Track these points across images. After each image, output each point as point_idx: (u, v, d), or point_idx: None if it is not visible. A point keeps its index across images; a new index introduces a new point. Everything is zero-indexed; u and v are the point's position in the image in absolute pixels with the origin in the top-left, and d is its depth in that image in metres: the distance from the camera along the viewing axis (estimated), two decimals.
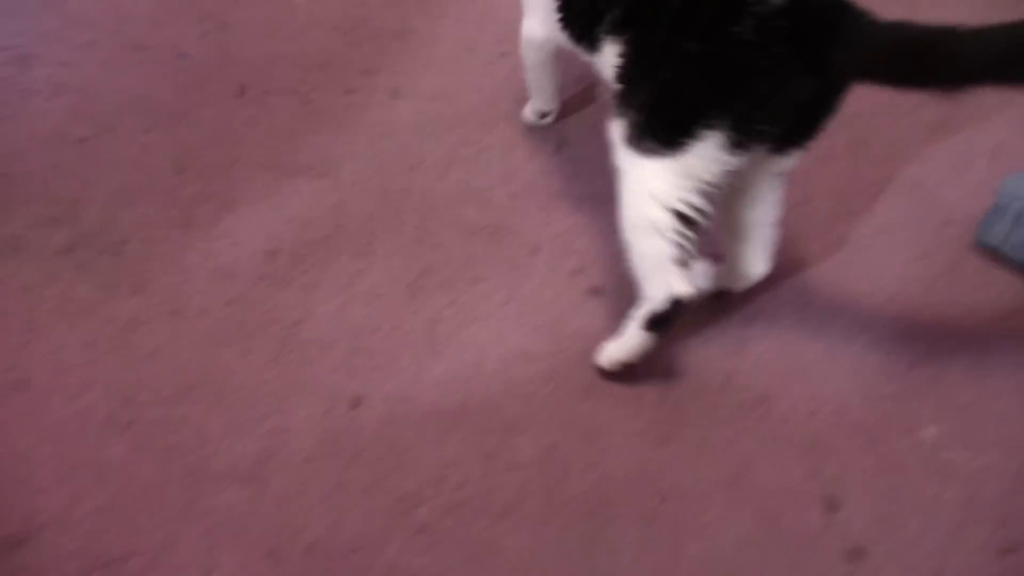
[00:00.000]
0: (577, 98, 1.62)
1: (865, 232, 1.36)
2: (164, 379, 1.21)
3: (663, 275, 1.07)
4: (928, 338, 1.24)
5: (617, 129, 1.06)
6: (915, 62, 0.93)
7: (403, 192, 1.46)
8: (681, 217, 1.03)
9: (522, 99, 1.55)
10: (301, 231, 1.40)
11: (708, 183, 1.01)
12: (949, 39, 0.89)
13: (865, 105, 1.37)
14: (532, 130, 1.55)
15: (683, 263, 1.07)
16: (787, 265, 1.29)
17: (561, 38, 1.24)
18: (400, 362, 1.23)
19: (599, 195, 1.37)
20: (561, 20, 1.21)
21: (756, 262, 1.20)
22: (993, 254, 1.31)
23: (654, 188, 1.03)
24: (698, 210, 1.04)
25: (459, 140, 1.54)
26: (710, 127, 0.97)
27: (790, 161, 1.08)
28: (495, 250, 1.36)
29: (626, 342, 1.16)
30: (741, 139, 0.97)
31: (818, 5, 0.95)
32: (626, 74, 1.06)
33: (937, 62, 0.91)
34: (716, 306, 1.27)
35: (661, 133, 1.01)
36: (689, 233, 1.05)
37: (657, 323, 1.11)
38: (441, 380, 1.21)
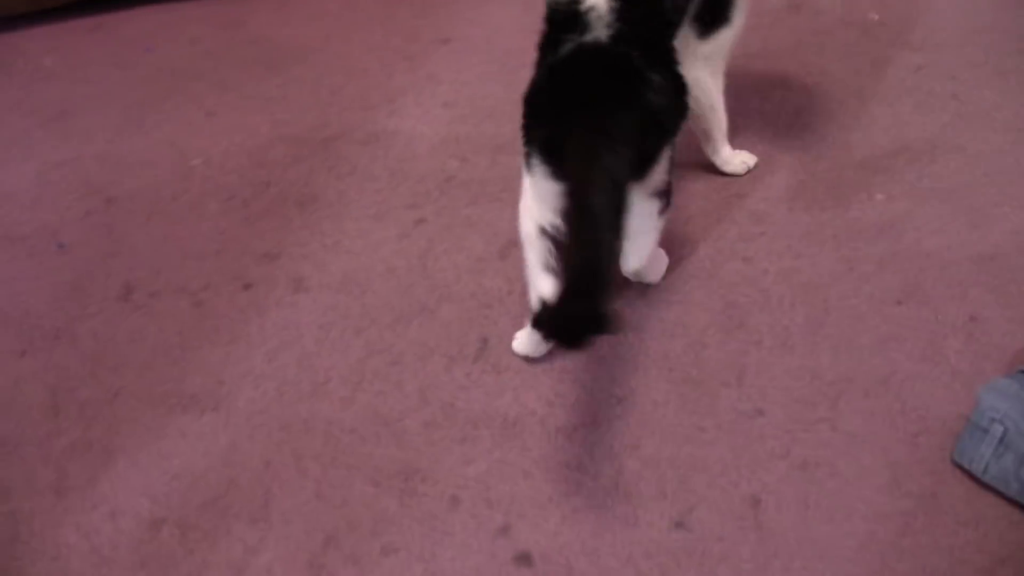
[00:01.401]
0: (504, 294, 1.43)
1: (825, 453, 1.18)
2: None
3: (535, 279, 1.22)
4: None
5: None
6: None
7: (304, 426, 1.27)
8: (544, 231, 1.16)
9: (440, 285, 1.39)
10: (189, 491, 1.22)
11: (553, 204, 1.11)
12: None
13: (821, 273, 1.29)
14: (450, 333, 1.36)
15: (551, 270, 1.18)
16: (739, 500, 1.11)
17: None
18: None
19: (525, 416, 1.24)
20: None
21: (631, 259, 1.28)
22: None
23: (527, 205, 1.21)
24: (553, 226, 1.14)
25: (368, 347, 1.37)
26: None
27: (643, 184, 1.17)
28: (409, 505, 1.18)
29: (522, 337, 1.33)
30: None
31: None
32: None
33: None
34: None
35: (523, 155, 1.17)
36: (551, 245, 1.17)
37: (537, 323, 1.26)
38: None
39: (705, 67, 1.41)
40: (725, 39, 1.38)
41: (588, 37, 1.15)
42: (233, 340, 1.41)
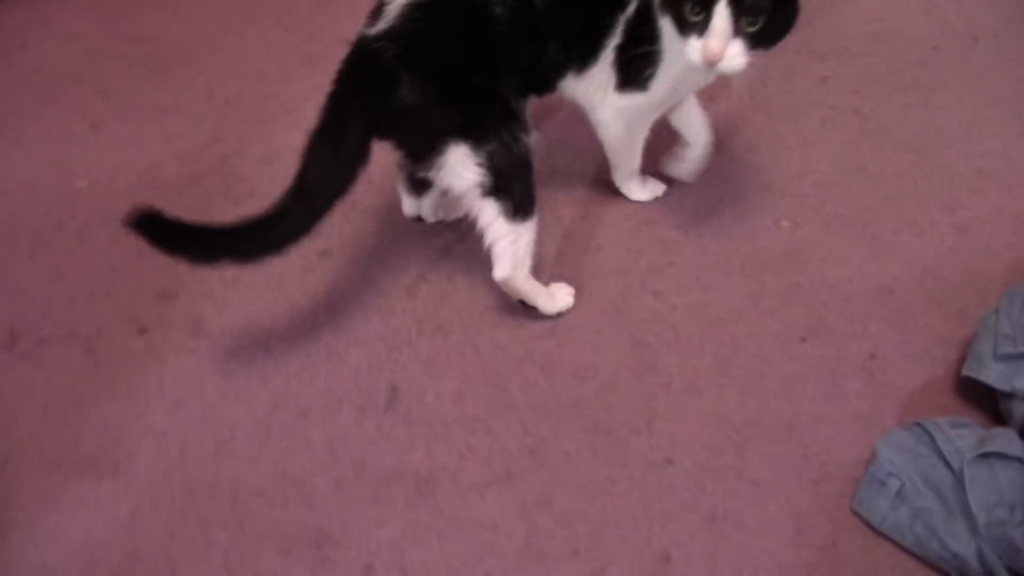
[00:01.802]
0: (413, 334, 1.39)
1: (733, 504, 1.21)
2: None
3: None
4: None
5: None
6: None
7: (210, 489, 1.23)
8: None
9: (347, 326, 1.37)
10: (89, 567, 1.17)
11: None
12: None
13: (729, 308, 1.34)
14: (359, 380, 1.33)
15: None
16: (650, 557, 1.15)
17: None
18: None
19: (437, 472, 1.23)
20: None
21: (495, 268, 1.33)
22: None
23: None
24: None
25: (274, 399, 1.33)
26: None
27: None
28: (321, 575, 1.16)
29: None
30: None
31: None
32: None
33: None
34: None
35: None
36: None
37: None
38: None
39: (614, 116, 1.36)
40: (637, 103, 1.33)
41: (370, 29, 1.20)
42: (130, 393, 1.34)
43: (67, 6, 1.98)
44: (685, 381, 1.35)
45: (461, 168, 1.23)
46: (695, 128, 1.49)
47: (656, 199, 1.59)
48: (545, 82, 1.32)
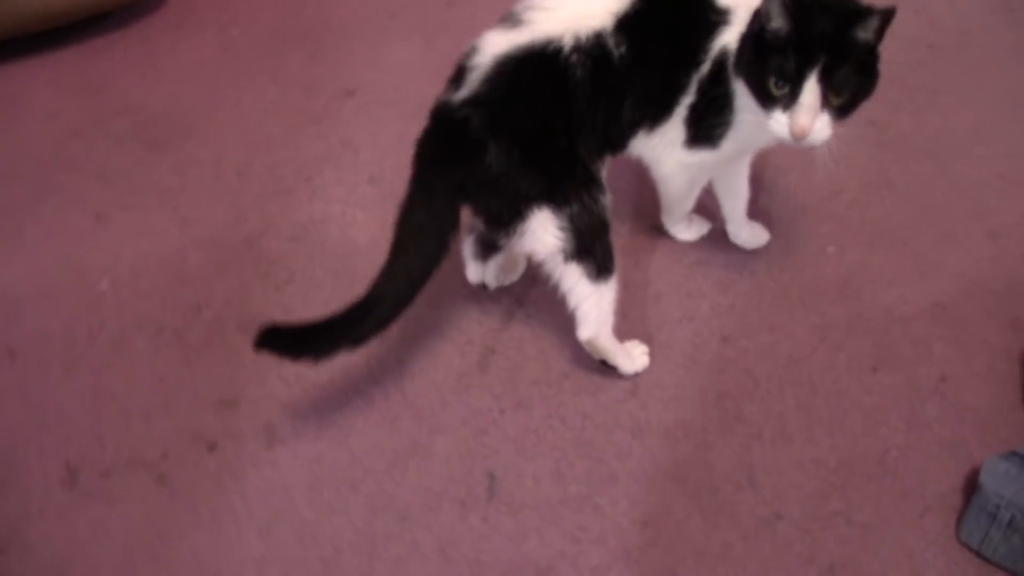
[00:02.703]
0: (495, 413, 1.36)
1: (848, 551, 1.23)
2: None
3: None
4: None
5: None
6: None
7: None
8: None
9: (426, 413, 1.33)
10: None
11: None
12: None
13: (798, 346, 1.35)
14: (452, 471, 1.29)
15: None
16: None
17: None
18: None
19: (556, 560, 1.16)
20: None
21: (581, 329, 1.33)
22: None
23: None
24: None
25: (370, 504, 1.30)
26: None
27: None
28: None
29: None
30: None
31: None
32: None
33: None
34: None
35: None
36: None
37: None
38: None
39: (679, 170, 1.34)
40: (704, 159, 1.31)
41: (452, 95, 1.19)
42: (215, 519, 1.27)
43: (34, 81, 1.82)
44: (774, 429, 1.35)
45: (543, 233, 1.21)
46: (737, 193, 1.48)
47: (702, 237, 1.58)
48: (619, 141, 1.30)
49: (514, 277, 1.49)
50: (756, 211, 1.58)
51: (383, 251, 1.55)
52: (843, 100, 1.11)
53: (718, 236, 1.58)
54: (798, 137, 1.12)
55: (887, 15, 1.08)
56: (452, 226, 1.23)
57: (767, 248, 1.56)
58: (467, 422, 1.37)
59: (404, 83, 1.82)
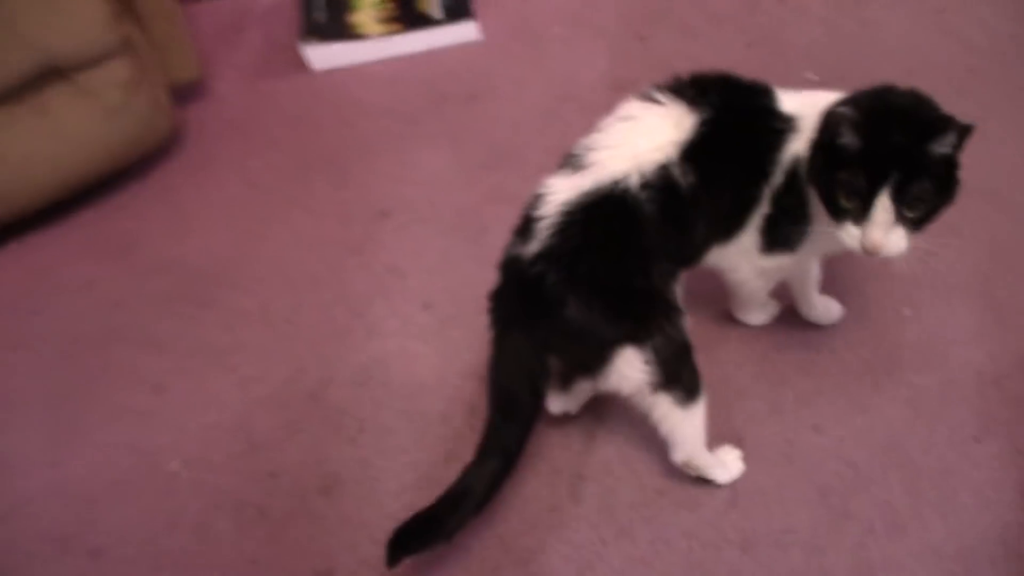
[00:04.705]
0: (598, 546, 1.35)
1: None
2: None
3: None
4: None
5: None
6: None
7: None
8: None
9: (527, 557, 1.27)
10: None
11: None
12: None
13: (893, 426, 1.26)
14: None
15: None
16: None
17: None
18: None
19: None
20: None
21: (676, 453, 1.34)
22: None
23: None
24: None
25: None
26: None
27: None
28: None
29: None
30: None
31: None
32: None
33: None
34: None
35: None
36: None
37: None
38: None
39: (757, 275, 1.33)
40: (782, 263, 1.30)
41: (522, 249, 1.19)
42: None
43: (62, 252, 1.82)
44: (885, 521, 1.34)
45: (629, 371, 1.21)
46: (809, 276, 1.48)
47: (773, 318, 1.56)
48: (692, 259, 1.32)
49: (589, 395, 1.49)
50: (822, 282, 1.57)
51: (451, 385, 1.56)
52: (919, 214, 1.09)
53: (790, 315, 1.56)
54: (870, 253, 1.11)
55: (965, 130, 1.06)
56: (542, 376, 1.24)
57: (842, 321, 1.54)
58: (570, 560, 1.37)
59: (438, 195, 1.82)
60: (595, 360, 1.21)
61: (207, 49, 2.16)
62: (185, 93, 2.06)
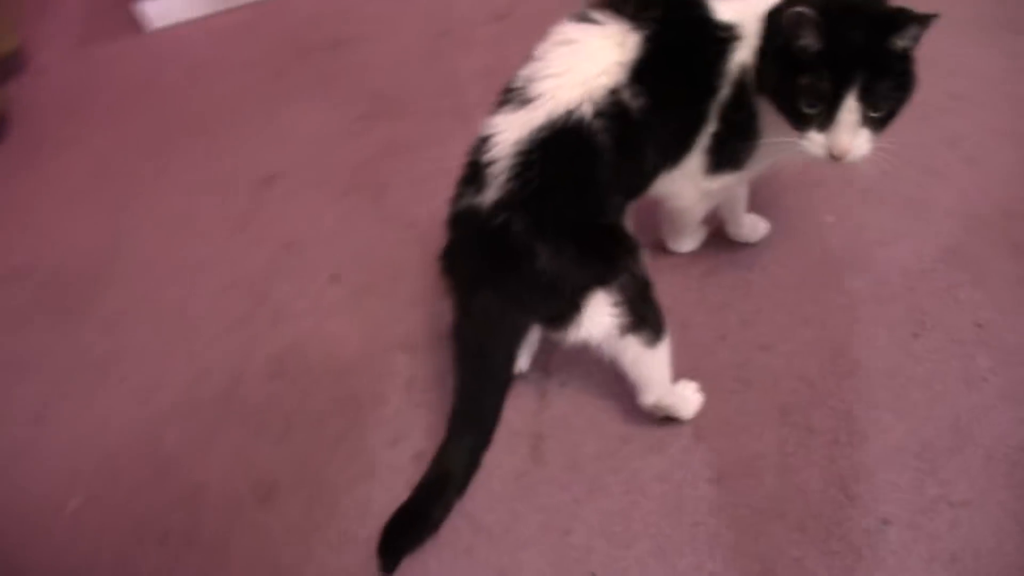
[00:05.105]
0: (570, 503, 1.27)
1: (961, 534, 1.24)
2: None
3: None
4: None
5: None
6: None
7: None
8: None
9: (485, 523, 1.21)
10: None
11: None
12: None
13: (835, 332, 1.24)
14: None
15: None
16: None
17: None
18: None
19: None
20: None
21: (646, 396, 1.27)
22: None
23: None
24: None
25: None
26: None
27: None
28: None
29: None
30: None
31: None
32: None
33: None
34: None
35: None
36: None
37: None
38: None
39: (701, 197, 1.27)
40: (728, 182, 1.25)
41: (477, 198, 1.10)
42: None
43: None
44: (847, 430, 1.34)
45: (599, 316, 1.14)
46: (738, 194, 1.43)
47: (702, 243, 1.53)
48: (641, 189, 1.24)
49: (535, 347, 1.40)
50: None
51: (380, 361, 1.42)
52: (884, 113, 1.05)
53: (717, 239, 1.52)
54: (837, 159, 1.07)
55: (926, 20, 1.02)
56: (518, 336, 1.16)
57: (770, 236, 1.52)
58: (546, 527, 1.29)
59: (324, 154, 1.65)
60: (568, 310, 1.11)
61: (21, 15, 1.85)
62: (1, 68, 1.76)
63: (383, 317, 1.46)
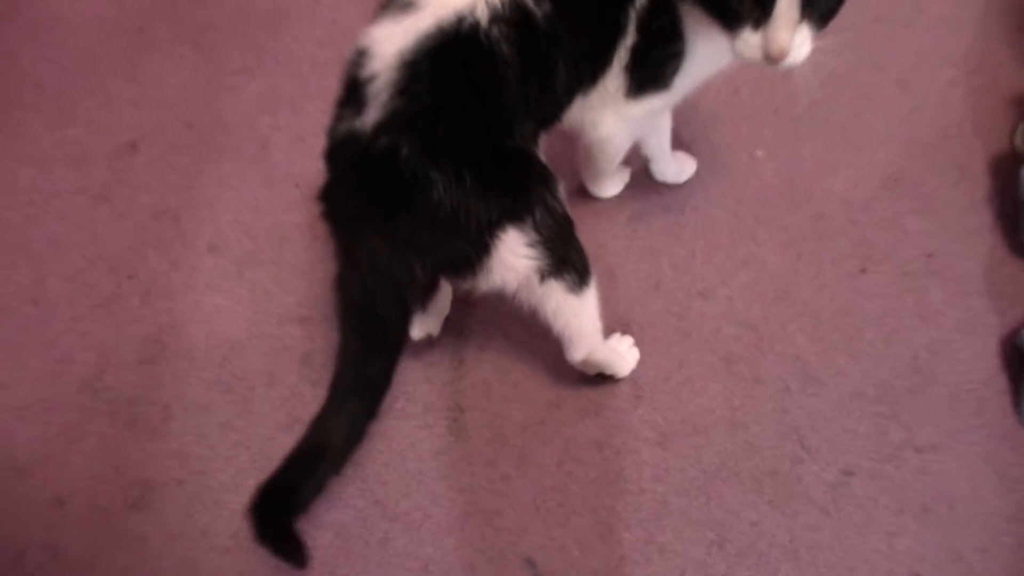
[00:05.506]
0: (498, 479, 1.12)
1: (931, 483, 1.14)
2: None
3: None
4: None
5: None
6: None
7: None
8: None
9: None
10: None
11: None
12: None
13: (781, 272, 1.15)
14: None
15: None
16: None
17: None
18: None
19: None
20: None
21: (574, 351, 1.11)
22: None
23: None
24: None
25: None
26: None
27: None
28: None
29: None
30: None
31: None
32: None
33: None
34: None
35: None
36: None
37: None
38: None
39: (622, 127, 1.12)
40: (654, 105, 1.09)
41: (355, 122, 0.92)
42: None
43: None
44: (798, 377, 1.23)
45: (513, 258, 0.97)
46: (661, 128, 1.28)
47: (626, 186, 1.38)
48: (555, 114, 1.07)
49: (447, 309, 1.23)
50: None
51: (269, 336, 1.25)
52: (823, 6, 0.91)
53: (643, 181, 1.38)
54: (776, 59, 0.92)
55: None
56: (412, 286, 0.97)
57: (698, 176, 1.39)
58: (472, 509, 1.13)
59: (195, 114, 1.45)
60: (474, 252, 0.95)
61: None
62: None
63: (271, 287, 1.28)
